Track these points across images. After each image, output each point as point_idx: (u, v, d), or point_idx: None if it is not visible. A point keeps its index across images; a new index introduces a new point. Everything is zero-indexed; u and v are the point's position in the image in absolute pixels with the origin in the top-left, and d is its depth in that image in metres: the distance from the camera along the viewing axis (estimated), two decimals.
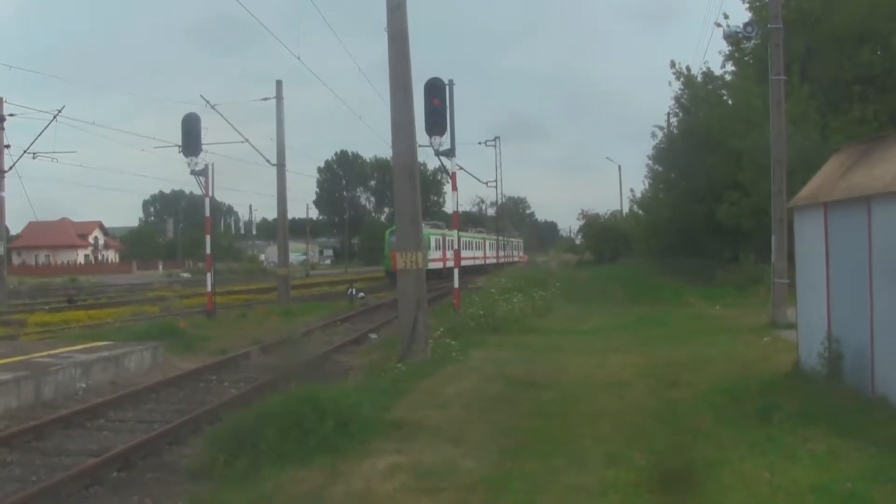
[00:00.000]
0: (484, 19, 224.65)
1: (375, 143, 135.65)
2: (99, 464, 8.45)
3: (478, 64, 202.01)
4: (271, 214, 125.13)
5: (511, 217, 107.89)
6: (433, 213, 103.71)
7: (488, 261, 67.92)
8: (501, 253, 75.80)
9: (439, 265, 49.68)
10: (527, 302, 23.78)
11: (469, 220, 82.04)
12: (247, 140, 31.51)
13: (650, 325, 20.41)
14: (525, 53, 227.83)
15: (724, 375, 11.42)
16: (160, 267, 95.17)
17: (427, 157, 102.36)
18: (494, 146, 66.27)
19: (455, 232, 25.34)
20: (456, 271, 23.57)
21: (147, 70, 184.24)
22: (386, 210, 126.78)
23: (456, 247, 26.09)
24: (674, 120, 38.13)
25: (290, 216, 38.32)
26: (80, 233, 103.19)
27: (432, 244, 47.52)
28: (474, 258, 64.36)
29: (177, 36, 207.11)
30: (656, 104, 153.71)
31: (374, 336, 21.22)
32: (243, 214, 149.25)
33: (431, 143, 18.96)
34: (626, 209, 63.44)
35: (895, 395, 8.23)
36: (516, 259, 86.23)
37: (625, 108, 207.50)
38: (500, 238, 75.04)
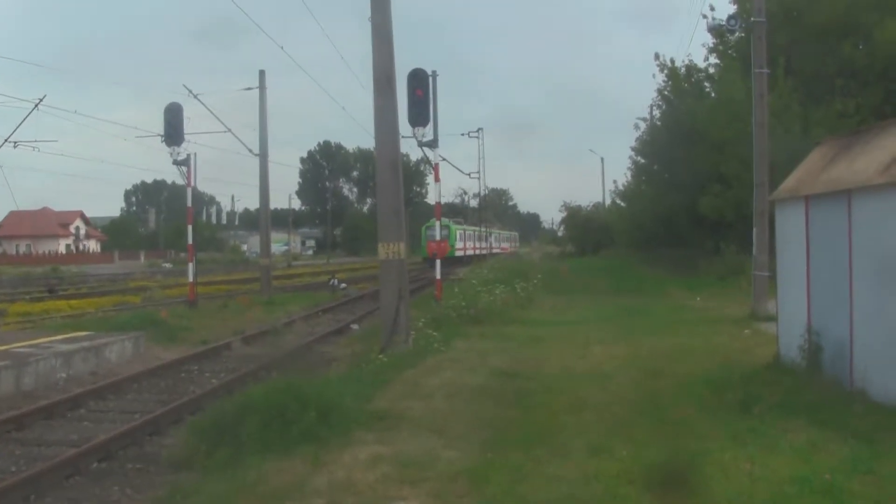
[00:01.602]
0: (471, 13, 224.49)
1: (358, 134, 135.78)
2: (80, 454, 8.42)
3: (463, 58, 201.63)
4: (254, 205, 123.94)
5: (494, 209, 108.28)
6: (415, 203, 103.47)
7: (493, 250, 75.61)
8: (496, 244, 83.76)
9: (461, 253, 65.61)
10: (509, 293, 23.76)
11: (451, 212, 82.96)
12: (229, 130, 31.21)
13: (632, 316, 20.45)
14: (512, 48, 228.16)
15: (705, 367, 11.45)
16: (142, 257, 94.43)
17: (410, 148, 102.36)
18: (478, 137, 66.09)
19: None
20: (438, 262, 23.54)
21: (136, 63, 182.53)
22: (368, 201, 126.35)
23: (438, 238, 26.18)
24: (657, 112, 38.18)
25: (272, 206, 38.06)
26: (61, 222, 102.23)
27: (457, 236, 62.20)
28: (482, 248, 73.90)
29: (171, 34, 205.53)
30: (641, 97, 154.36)
31: (355, 327, 21.20)
32: (226, 205, 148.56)
33: (415, 134, 18.96)
34: (608, 201, 63.90)
35: (874, 388, 8.30)
36: (510, 249, 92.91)
37: (609, 101, 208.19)
38: (485, 229, 76.36)
